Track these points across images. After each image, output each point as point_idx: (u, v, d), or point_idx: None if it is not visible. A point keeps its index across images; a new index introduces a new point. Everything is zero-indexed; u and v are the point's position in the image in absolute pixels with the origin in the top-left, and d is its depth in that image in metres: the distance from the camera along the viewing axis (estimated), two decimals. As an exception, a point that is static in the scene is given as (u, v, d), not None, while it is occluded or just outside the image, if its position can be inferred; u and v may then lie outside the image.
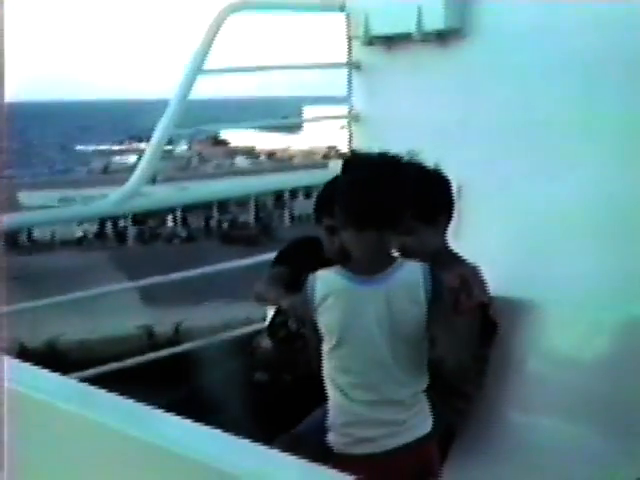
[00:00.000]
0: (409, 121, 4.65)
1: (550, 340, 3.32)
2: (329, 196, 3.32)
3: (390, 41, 4.77)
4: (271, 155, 61.62)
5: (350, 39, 4.97)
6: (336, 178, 3.27)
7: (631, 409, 3.07)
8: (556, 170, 4.15)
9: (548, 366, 3.33)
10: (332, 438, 2.76)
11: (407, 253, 3.05)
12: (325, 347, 2.70)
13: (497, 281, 3.31)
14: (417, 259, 2.77)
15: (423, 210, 3.17)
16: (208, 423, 2.00)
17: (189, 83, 4.30)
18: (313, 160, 49.58)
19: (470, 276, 3.27)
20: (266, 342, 3.54)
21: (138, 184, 4.18)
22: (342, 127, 5.21)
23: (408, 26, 4.53)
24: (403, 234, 2.87)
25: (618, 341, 3.16)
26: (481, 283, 3.30)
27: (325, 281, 2.69)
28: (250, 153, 62.07)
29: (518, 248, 4.23)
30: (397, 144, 4.71)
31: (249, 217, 44.14)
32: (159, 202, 5.84)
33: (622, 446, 3.01)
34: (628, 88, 3.95)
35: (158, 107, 4.57)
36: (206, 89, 4.69)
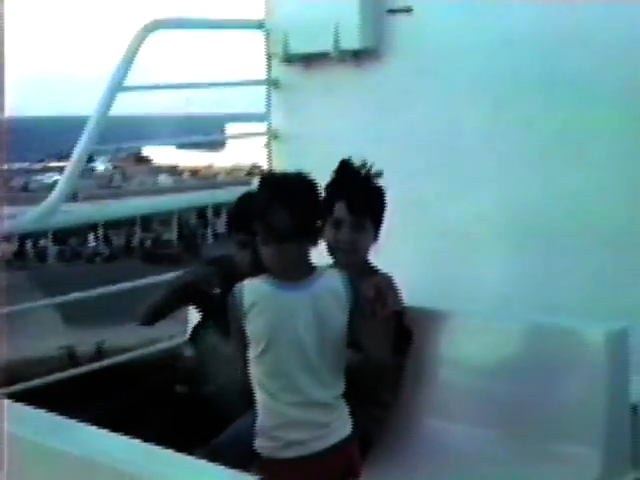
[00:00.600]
0: (326, 138, 4.76)
1: (462, 349, 3.43)
2: (242, 213, 3.42)
3: (308, 59, 4.87)
4: (194, 172, 61.20)
5: (269, 57, 5.06)
6: (249, 195, 3.37)
7: (537, 413, 3.19)
8: (467, 187, 4.32)
9: (460, 374, 3.43)
10: (261, 443, 2.81)
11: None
12: (253, 353, 2.77)
13: (411, 292, 3.42)
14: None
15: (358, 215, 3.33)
16: (133, 436, 2.05)
17: (109, 100, 4.32)
18: (236, 177, 49.42)
19: (384, 286, 3.38)
20: (188, 351, 3.60)
21: (57, 201, 4.18)
22: (263, 145, 5.28)
23: (325, 45, 4.64)
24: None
25: (525, 349, 3.28)
26: (395, 293, 3.41)
27: (252, 289, 2.77)
28: (173, 170, 61.56)
29: (432, 261, 4.37)
30: (315, 161, 4.84)
31: (172, 235, 43.80)
32: (78, 218, 5.81)
33: (530, 448, 3.13)
34: (535, 107, 4.12)
35: (79, 124, 4.57)
36: (128, 106, 4.72)
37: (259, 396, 2.80)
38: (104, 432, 2.08)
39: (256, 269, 3.12)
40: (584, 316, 3.53)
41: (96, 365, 4.77)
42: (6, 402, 2.16)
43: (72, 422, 2.14)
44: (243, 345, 2.80)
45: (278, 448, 2.77)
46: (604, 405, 3.10)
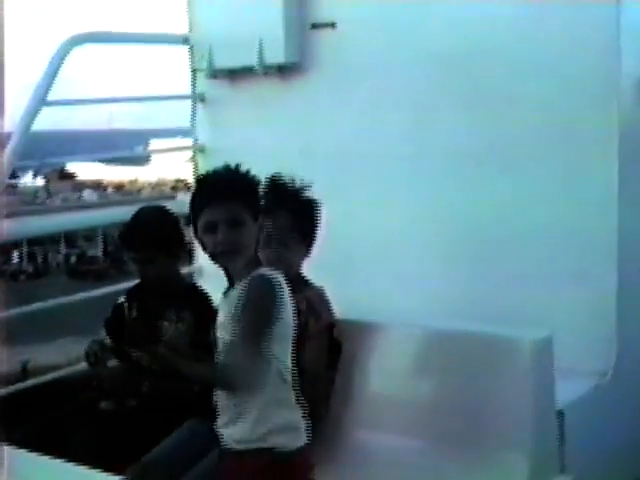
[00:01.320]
0: (253, 152, 4.74)
1: (389, 359, 3.46)
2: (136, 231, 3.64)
3: (233, 74, 4.88)
4: (119, 188, 60.56)
5: (194, 72, 5.05)
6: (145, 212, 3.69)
7: (465, 421, 3.23)
8: (393, 197, 4.37)
9: (389, 384, 3.45)
10: (287, 440, 2.73)
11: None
12: (285, 346, 2.73)
13: (340, 305, 3.44)
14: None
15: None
16: (58, 456, 2.03)
17: (32, 115, 4.25)
18: (161, 192, 49.04)
19: (317, 299, 3.39)
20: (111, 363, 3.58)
21: (-21, 218, 4.10)
22: (188, 160, 5.27)
23: (250, 60, 4.65)
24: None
25: (453, 357, 3.32)
26: (328, 305, 3.42)
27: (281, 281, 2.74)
28: (97, 186, 60.82)
29: (360, 273, 4.41)
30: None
31: (97, 251, 43.26)
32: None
33: (459, 455, 3.17)
34: (458, 120, 4.20)
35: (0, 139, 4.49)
36: (52, 121, 4.66)
37: (288, 393, 2.74)
38: (32, 455, 2.05)
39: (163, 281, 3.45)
40: (512, 323, 3.59)
41: (20, 385, 4.68)
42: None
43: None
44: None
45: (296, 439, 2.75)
46: (531, 411, 3.16)
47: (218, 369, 2.74)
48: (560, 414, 3.32)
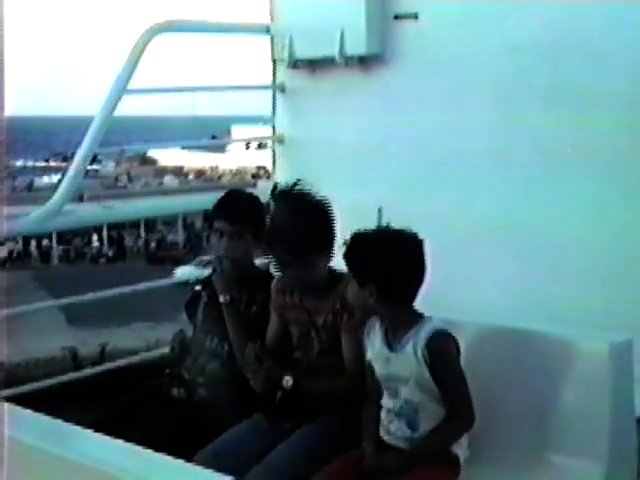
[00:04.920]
0: (331, 143, 4.74)
1: (463, 359, 3.40)
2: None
3: (314, 64, 4.85)
4: (200, 174, 61.33)
5: (275, 62, 5.04)
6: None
7: (540, 424, 3.16)
8: (474, 193, 4.30)
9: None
10: None
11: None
12: None
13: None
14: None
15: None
16: (129, 440, 2.04)
17: (113, 102, 4.30)
18: (242, 179, 49.51)
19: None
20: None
21: (60, 202, 4.16)
22: (263, 146, 5.29)
23: (331, 50, 4.62)
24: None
25: (531, 361, 3.23)
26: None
27: None
28: (178, 172, 61.68)
29: (439, 270, 4.34)
30: (319, 165, 4.84)
31: (177, 237, 43.84)
32: (82, 220, 5.78)
33: (532, 460, 3.10)
34: (541, 114, 4.10)
35: (84, 124, 4.56)
36: (136, 107, 4.71)
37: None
38: (102, 437, 2.07)
39: None
40: (592, 326, 3.50)
41: (98, 369, 4.77)
42: (6, 405, 2.14)
43: (70, 426, 2.13)
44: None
45: None
46: (609, 417, 3.07)
47: None
48: (638, 421, 3.23)
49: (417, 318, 2.98)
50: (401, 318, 2.98)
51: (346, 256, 2.99)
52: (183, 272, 34.90)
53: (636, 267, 3.88)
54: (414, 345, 2.91)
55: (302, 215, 3.18)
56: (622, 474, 3.12)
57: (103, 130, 4.27)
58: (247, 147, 50.00)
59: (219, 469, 2.00)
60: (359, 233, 3.00)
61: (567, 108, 4.04)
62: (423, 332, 2.92)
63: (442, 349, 2.91)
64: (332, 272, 3.28)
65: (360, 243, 2.98)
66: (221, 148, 58.56)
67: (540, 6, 4.06)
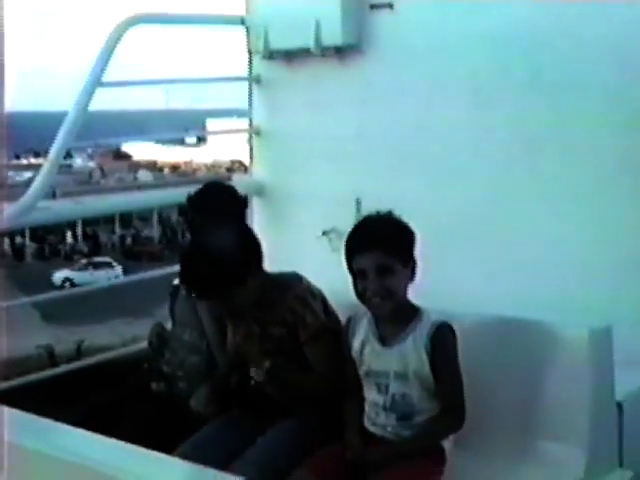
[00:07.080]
0: (309, 134, 4.73)
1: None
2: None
3: (290, 55, 4.83)
4: (174, 168, 61.12)
5: (250, 53, 5.02)
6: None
7: (520, 412, 3.17)
8: (451, 182, 4.30)
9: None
10: None
11: None
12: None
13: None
14: None
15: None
16: (110, 436, 2.03)
17: (87, 95, 4.26)
18: (217, 173, 49.34)
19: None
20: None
21: (34, 198, 4.11)
22: (245, 141, 5.26)
23: (307, 41, 4.60)
24: None
25: (512, 348, 3.24)
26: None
27: None
28: (153, 166, 61.41)
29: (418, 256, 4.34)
30: (297, 156, 4.83)
31: (152, 232, 43.72)
32: (57, 215, 5.72)
33: (513, 447, 3.10)
34: (519, 103, 4.11)
35: (57, 120, 4.51)
36: (107, 101, 4.66)
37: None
38: (86, 433, 2.05)
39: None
40: (573, 314, 3.51)
41: (77, 364, 4.74)
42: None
43: (54, 424, 2.11)
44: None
45: None
46: (589, 402, 3.08)
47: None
48: (619, 406, 3.24)
49: (415, 310, 2.94)
50: (402, 310, 2.91)
51: (385, 236, 2.87)
52: (60, 276, 34.67)
53: (616, 254, 3.90)
54: (415, 339, 2.87)
55: (224, 254, 3.05)
56: (603, 458, 3.14)
57: (78, 125, 4.22)
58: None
59: (200, 462, 1.99)
60: (382, 215, 2.93)
61: (545, 97, 4.04)
62: (424, 325, 2.89)
63: (444, 341, 2.88)
64: (275, 280, 3.19)
65: (394, 223, 2.92)
66: (197, 142, 58.35)
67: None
